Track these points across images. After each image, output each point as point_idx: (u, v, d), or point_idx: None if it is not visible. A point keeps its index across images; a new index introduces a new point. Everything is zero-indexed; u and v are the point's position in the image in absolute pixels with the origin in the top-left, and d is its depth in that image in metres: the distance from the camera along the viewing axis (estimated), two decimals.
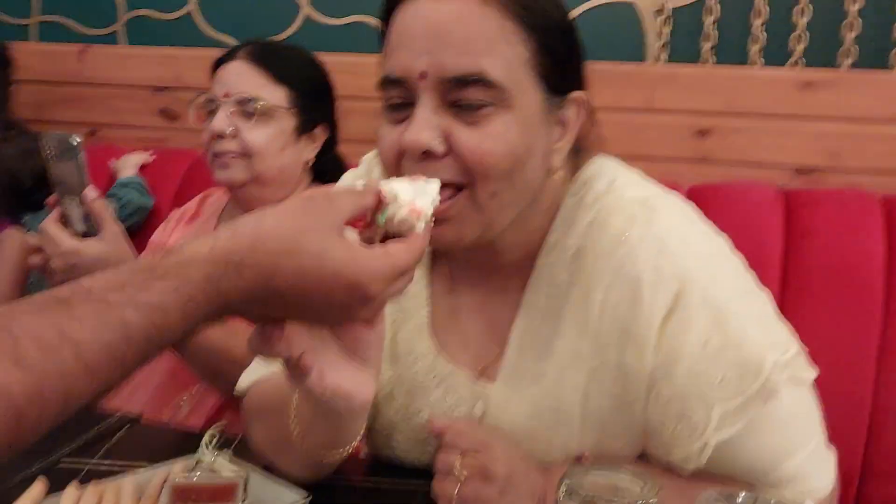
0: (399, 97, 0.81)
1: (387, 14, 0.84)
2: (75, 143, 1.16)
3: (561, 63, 0.83)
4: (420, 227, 0.68)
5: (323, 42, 2.17)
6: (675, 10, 1.93)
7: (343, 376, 0.72)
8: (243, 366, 1.17)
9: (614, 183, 0.90)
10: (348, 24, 2.18)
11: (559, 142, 0.86)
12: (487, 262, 0.93)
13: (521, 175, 0.81)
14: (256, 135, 1.39)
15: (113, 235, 1.20)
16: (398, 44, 0.80)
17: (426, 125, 0.77)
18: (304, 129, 1.46)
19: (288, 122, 1.43)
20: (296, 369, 0.69)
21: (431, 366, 0.95)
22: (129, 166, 2.04)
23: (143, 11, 2.34)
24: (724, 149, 1.84)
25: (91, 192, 1.18)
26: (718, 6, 1.89)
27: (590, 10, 2.00)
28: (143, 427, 1.15)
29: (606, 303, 0.85)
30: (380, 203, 0.68)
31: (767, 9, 1.85)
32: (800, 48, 1.85)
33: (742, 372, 0.81)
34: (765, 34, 1.86)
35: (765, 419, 0.83)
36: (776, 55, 1.88)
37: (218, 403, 1.31)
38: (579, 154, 0.91)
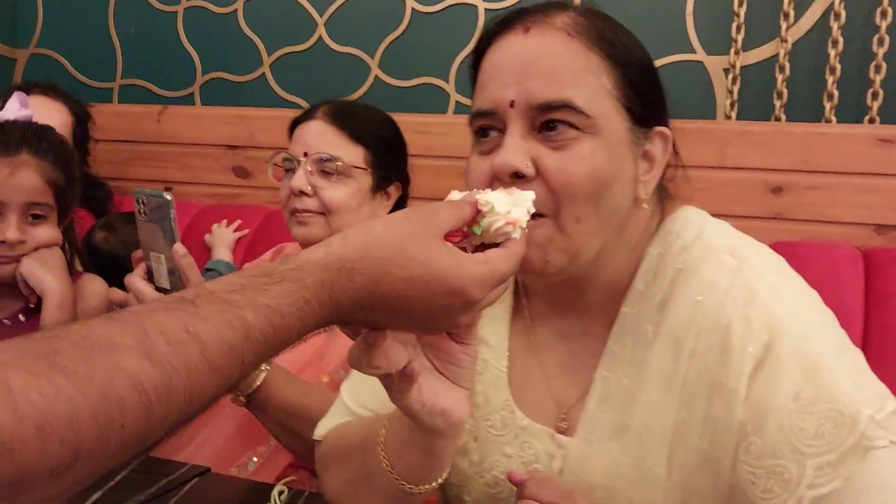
0: (489, 127, 0.84)
1: (478, 55, 0.88)
2: (167, 200, 1.16)
3: (643, 96, 0.85)
4: (516, 235, 0.70)
5: (391, 102, 2.23)
6: (743, 68, 1.92)
7: (439, 393, 0.74)
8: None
9: (703, 232, 0.89)
10: (416, 85, 2.23)
11: (646, 175, 0.87)
12: (570, 302, 0.93)
13: (606, 199, 0.82)
14: (335, 193, 1.41)
15: None
16: (489, 78, 0.84)
17: (515, 149, 0.80)
18: (379, 186, 1.48)
19: (365, 181, 1.45)
20: (399, 381, 0.71)
21: (508, 418, 0.94)
22: (223, 244, 2.06)
23: (218, 74, 2.43)
24: (800, 206, 1.80)
25: (180, 248, 1.16)
26: (789, 64, 1.87)
27: (658, 67, 2.00)
28: (212, 479, 1.14)
29: (695, 353, 0.84)
30: (476, 214, 0.70)
31: (840, 66, 1.83)
32: (875, 105, 1.81)
33: (836, 425, 0.78)
34: (837, 91, 1.84)
35: (862, 479, 0.77)
36: (849, 112, 1.85)
37: (288, 463, 1.30)
38: (665, 197, 0.92)
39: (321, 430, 1.03)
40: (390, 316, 0.65)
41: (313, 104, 1.53)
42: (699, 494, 0.84)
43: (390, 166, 1.51)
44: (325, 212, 1.42)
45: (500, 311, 0.97)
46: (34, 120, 1.38)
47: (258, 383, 1.20)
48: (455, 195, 0.73)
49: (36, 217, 1.33)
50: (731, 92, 1.92)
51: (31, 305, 1.37)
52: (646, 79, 0.86)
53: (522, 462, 0.92)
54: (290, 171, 1.44)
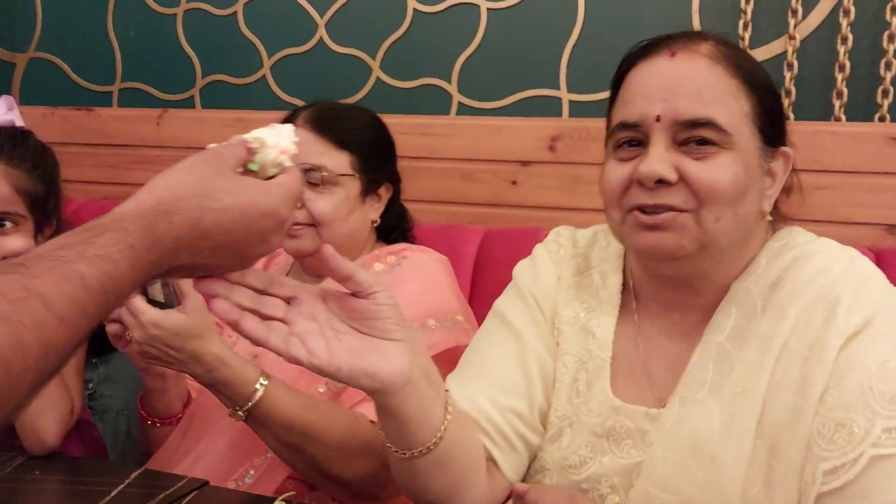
0: (631, 138, 0.94)
1: (620, 75, 1.00)
2: None
3: (773, 118, 0.96)
4: (288, 162, 0.78)
5: (393, 104, 2.20)
6: None
7: (358, 354, 0.77)
8: (318, 440, 1.14)
9: (817, 238, 1.01)
10: (418, 86, 2.20)
11: (770, 189, 0.97)
12: (682, 302, 1.01)
13: (741, 206, 0.91)
14: (323, 204, 1.36)
15: (194, 307, 1.14)
16: (635, 94, 0.95)
17: (660, 158, 0.90)
18: (368, 190, 1.43)
19: (353, 187, 1.40)
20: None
21: (603, 401, 0.99)
22: None
23: (218, 76, 2.41)
24: (809, 207, 1.75)
25: None
26: (797, 62, 1.84)
27: None
28: (211, 492, 1.12)
29: (800, 319, 0.91)
30: (248, 153, 0.76)
31: (849, 63, 1.79)
32: (886, 102, 1.78)
33: None
34: (846, 89, 1.80)
35: None
36: (859, 111, 1.81)
37: (286, 476, 1.26)
38: (777, 216, 1.03)
39: None
40: (215, 252, 0.69)
41: (296, 109, 1.47)
42: (784, 457, 0.88)
43: (379, 168, 1.45)
44: (314, 223, 1.36)
45: (609, 308, 1.05)
46: (18, 124, 1.34)
47: (257, 398, 1.15)
48: (213, 146, 0.76)
49: (3, 225, 1.29)
50: None
51: None
52: (775, 103, 0.97)
53: (612, 440, 0.97)
54: None
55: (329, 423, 1.19)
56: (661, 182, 0.90)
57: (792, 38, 1.84)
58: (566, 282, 1.08)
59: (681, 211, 0.90)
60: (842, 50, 1.79)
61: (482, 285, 1.79)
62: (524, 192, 1.99)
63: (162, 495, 1.07)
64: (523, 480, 1.05)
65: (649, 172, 0.90)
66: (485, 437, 0.99)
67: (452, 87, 2.16)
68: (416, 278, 1.38)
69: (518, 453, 1.02)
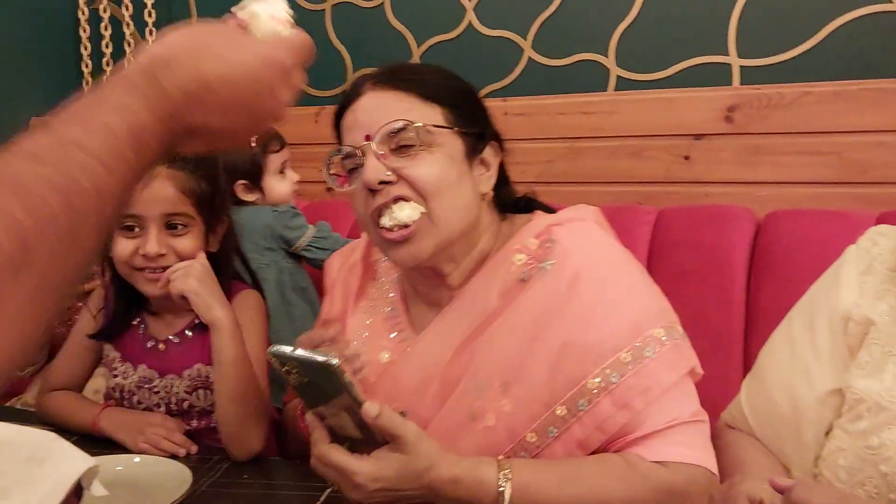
0: None
1: None
2: (334, 365, 0.92)
3: None
4: (286, 32, 0.75)
5: (547, 84, 2.14)
6: None
7: None
8: None
9: None
10: (572, 63, 2.12)
11: None
12: None
13: None
14: (424, 168, 1.08)
15: (413, 434, 0.97)
16: None
17: None
18: (474, 150, 1.14)
19: (454, 145, 1.12)
20: None
21: None
22: None
23: (369, 71, 2.40)
24: None
25: (372, 409, 0.94)
26: None
27: (847, 23, 1.81)
28: None
29: None
30: (242, 27, 0.74)
31: None
32: None
33: None
34: None
35: None
36: None
37: None
38: None
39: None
40: (226, 112, 0.67)
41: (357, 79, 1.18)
42: None
43: (478, 122, 1.15)
44: (417, 198, 1.06)
45: None
46: None
47: (507, 501, 0.97)
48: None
49: (175, 228, 1.30)
50: None
51: (197, 322, 1.36)
52: None
53: None
54: (355, 169, 1.10)
55: (606, 483, 0.99)
56: None
57: None
58: (880, 275, 1.06)
59: None
60: None
61: (660, 269, 1.71)
62: (698, 168, 1.89)
63: None
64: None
65: None
66: None
67: (610, 61, 2.07)
68: (594, 289, 1.06)
69: None
